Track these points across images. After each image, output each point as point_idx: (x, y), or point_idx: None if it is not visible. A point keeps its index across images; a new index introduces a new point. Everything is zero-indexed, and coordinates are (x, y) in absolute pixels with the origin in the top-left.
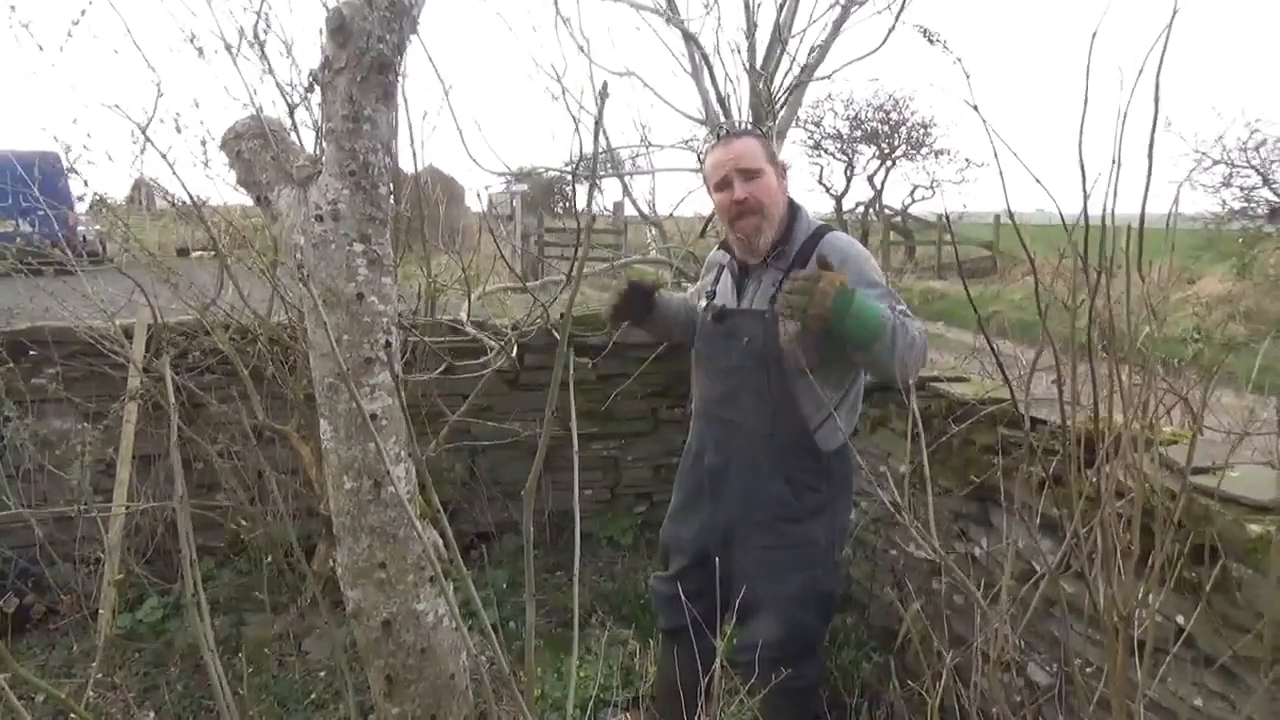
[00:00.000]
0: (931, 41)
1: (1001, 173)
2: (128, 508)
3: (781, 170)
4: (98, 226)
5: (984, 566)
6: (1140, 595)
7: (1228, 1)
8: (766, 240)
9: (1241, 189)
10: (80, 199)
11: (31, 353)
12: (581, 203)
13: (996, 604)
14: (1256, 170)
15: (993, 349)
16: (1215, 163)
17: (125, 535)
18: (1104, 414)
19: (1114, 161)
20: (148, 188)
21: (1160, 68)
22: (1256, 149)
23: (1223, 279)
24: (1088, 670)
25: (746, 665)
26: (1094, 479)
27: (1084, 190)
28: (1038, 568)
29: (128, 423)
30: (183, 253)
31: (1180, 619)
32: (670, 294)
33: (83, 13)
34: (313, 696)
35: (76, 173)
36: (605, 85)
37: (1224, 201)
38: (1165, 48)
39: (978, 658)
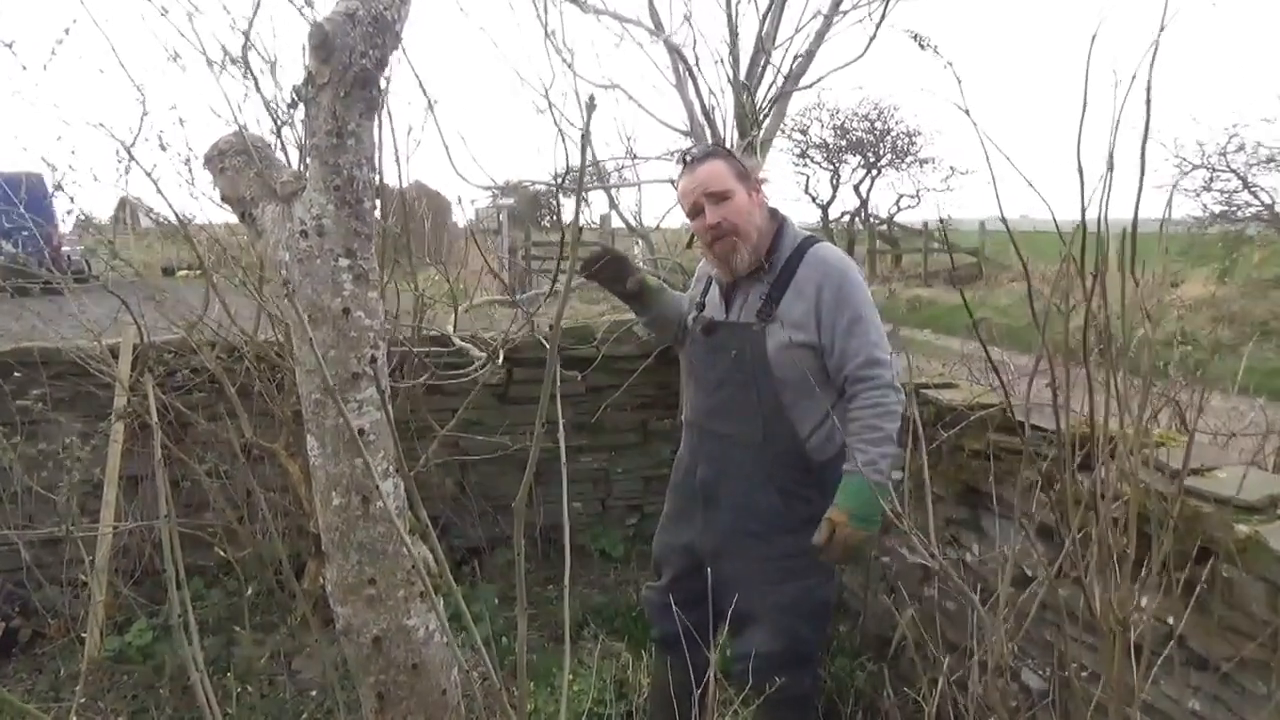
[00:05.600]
0: (923, 46)
1: (994, 177)
2: (115, 529)
3: (755, 185)
4: (81, 246)
5: (976, 573)
6: (1136, 599)
7: (1206, 9)
8: (743, 260)
9: (1222, 192)
10: (68, 213)
11: (17, 374)
12: (568, 215)
13: (992, 610)
14: (1236, 174)
15: (988, 356)
16: (1195, 167)
17: (113, 557)
18: (1097, 418)
19: (1108, 166)
20: (132, 206)
21: (1151, 74)
22: (1236, 152)
23: (1205, 282)
24: (1083, 675)
25: (741, 675)
26: (1088, 483)
27: (1082, 195)
28: (1030, 573)
29: (114, 443)
30: (168, 272)
31: (1171, 621)
32: (667, 288)
33: (66, 31)
34: (304, 716)
35: (62, 189)
36: (592, 98)
37: (1205, 205)
38: (1155, 56)
39: (974, 664)
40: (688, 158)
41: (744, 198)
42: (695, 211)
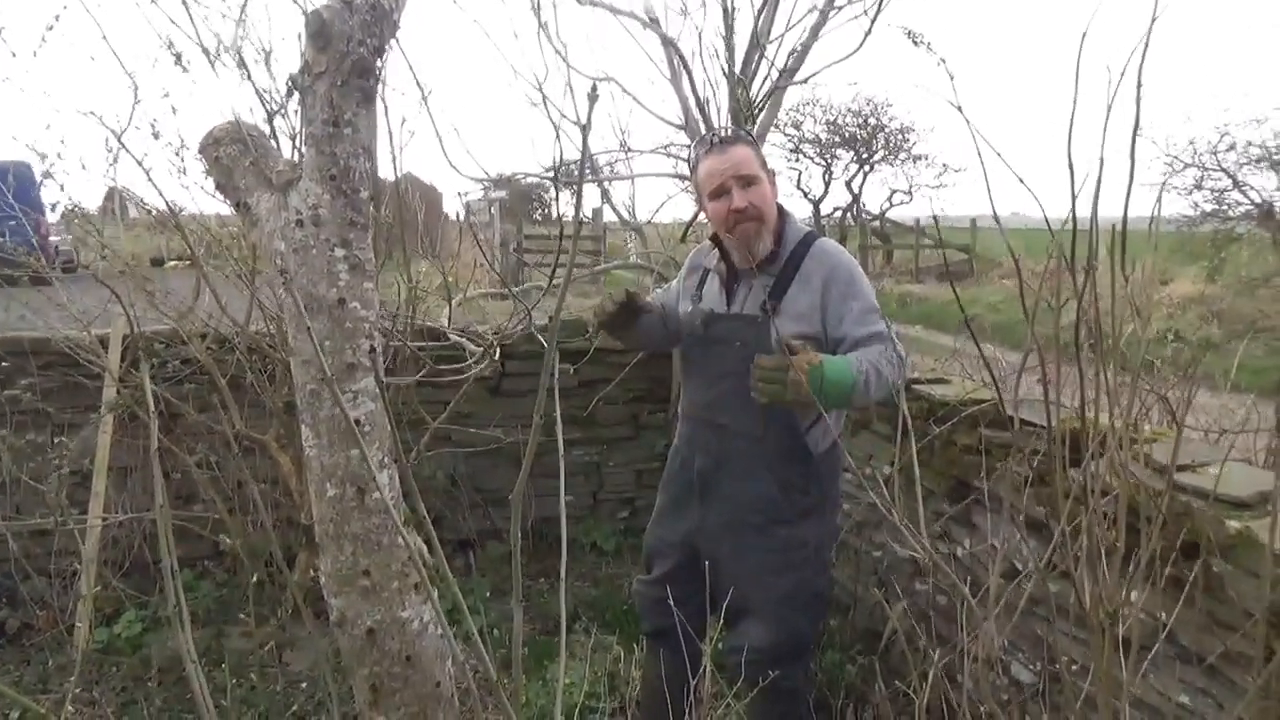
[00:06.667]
0: (916, 43)
1: (986, 173)
2: (104, 520)
3: (771, 176)
4: (70, 236)
5: (966, 567)
6: (1125, 593)
7: (1198, 7)
8: (766, 246)
9: (1212, 191)
10: (53, 207)
11: (5, 363)
12: (562, 209)
13: (983, 603)
14: (1227, 173)
15: (980, 352)
16: (1186, 166)
17: (102, 548)
18: (1088, 413)
19: (1099, 161)
20: (121, 196)
21: (1141, 70)
22: (1228, 151)
23: (1195, 280)
24: (1073, 668)
25: (734, 668)
26: (1079, 478)
27: (1072, 190)
28: (1020, 567)
29: (104, 434)
30: (157, 262)
31: (1163, 615)
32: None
33: (56, 18)
34: (294, 708)
35: (52, 177)
36: (594, 87)
37: (1196, 204)
38: (1146, 52)
39: (965, 657)
40: (713, 139)
41: (767, 186)
42: (720, 193)
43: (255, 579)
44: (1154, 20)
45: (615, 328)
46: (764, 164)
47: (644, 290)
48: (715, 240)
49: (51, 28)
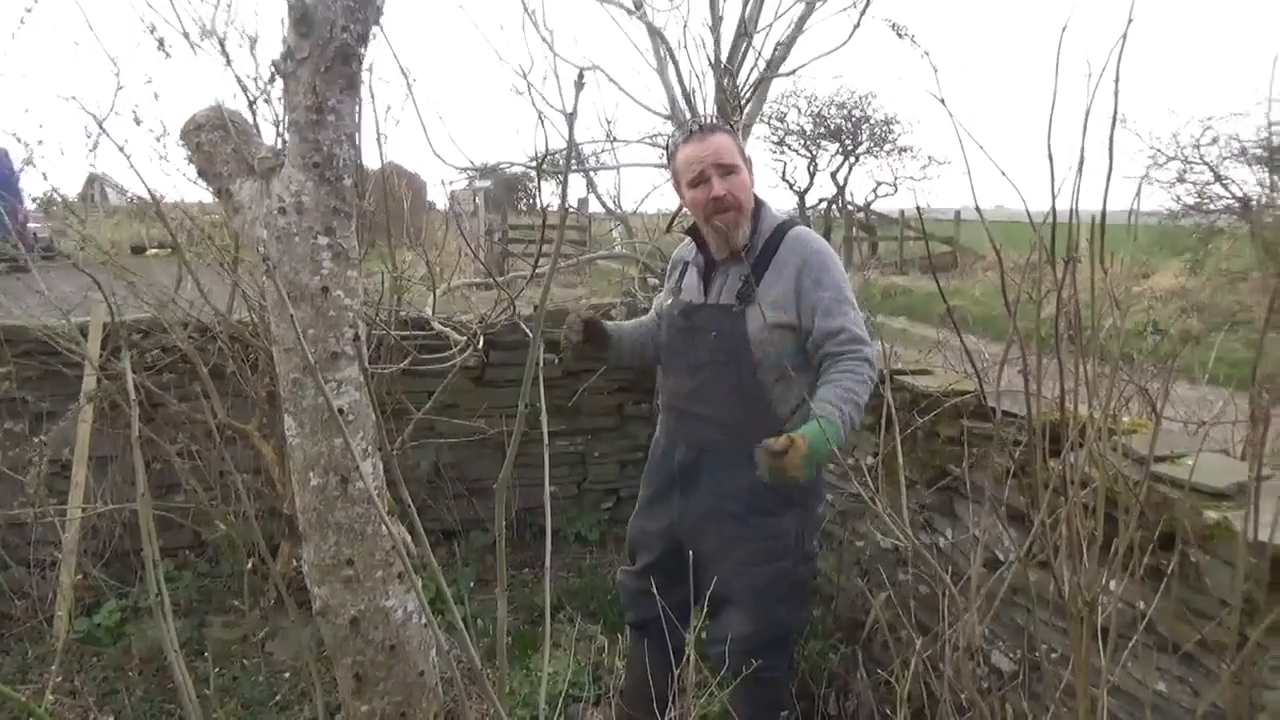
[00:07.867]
0: (900, 35)
1: (968, 166)
2: (85, 510)
3: (750, 166)
4: (49, 223)
5: (948, 557)
6: (1103, 582)
7: (1183, 3)
8: (744, 235)
9: (1195, 185)
10: (34, 200)
11: None
12: (546, 198)
13: (964, 593)
14: (1209, 167)
15: (963, 343)
16: (1170, 159)
17: (82, 538)
18: (1068, 405)
19: (1080, 156)
20: (101, 182)
21: (1119, 67)
22: (1210, 145)
23: (1177, 274)
24: (1053, 657)
25: (718, 658)
26: (1059, 468)
27: (1052, 184)
28: (1001, 557)
29: (84, 423)
30: (137, 250)
31: (1141, 605)
32: (620, 323)
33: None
34: (277, 698)
35: (33, 165)
36: (581, 74)
37: (1178, 197)
38: (1123, 48)
39: (947, 646)
40: (693, 128)
41: (746, 175)
42: (699, 180)
43: (234, 570)
44: (1129, 23)
45: (588, 353)
46: (743, 154)
47: (628, 280)
48: (692, 232)
49: (30, 10)
